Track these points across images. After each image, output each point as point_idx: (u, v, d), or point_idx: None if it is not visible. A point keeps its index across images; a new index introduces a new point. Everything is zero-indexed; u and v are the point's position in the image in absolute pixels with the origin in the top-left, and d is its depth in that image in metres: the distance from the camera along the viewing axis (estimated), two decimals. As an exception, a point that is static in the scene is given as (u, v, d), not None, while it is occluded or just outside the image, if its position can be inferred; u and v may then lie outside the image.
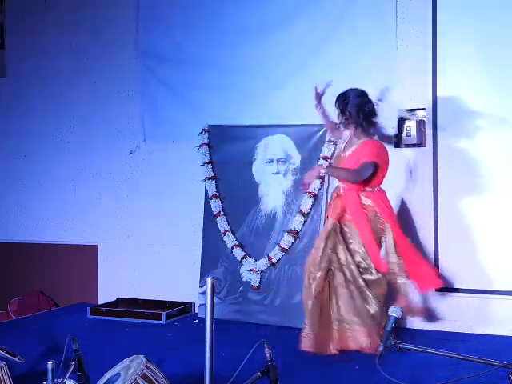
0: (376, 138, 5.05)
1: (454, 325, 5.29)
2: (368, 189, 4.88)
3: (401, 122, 5.47)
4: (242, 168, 5.96)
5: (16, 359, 3.67)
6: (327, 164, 5.42)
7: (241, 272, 5.91)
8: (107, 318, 6.00)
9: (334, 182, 5.61)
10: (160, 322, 5.85)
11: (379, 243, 4.83)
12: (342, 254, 4.79)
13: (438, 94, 5.34)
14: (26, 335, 5.39)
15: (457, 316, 5.29)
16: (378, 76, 5.40)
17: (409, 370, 4.20)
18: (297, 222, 5.68)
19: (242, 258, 5.88)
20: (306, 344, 4.73)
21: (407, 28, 5.44)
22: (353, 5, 5.59)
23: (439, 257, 5.34)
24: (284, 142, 5.83)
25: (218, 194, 6.06)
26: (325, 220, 5.18)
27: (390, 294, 4.83)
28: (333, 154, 5.60)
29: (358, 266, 4.77)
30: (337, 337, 4.76)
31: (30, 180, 6.91)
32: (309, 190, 5.12)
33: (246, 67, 5.99)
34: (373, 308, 4.72)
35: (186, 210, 6.21)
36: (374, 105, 4.89)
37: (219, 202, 6.04)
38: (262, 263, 5.79)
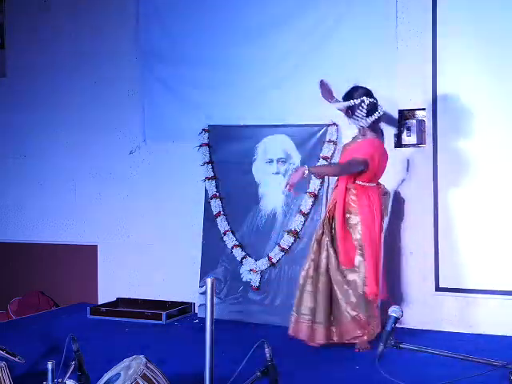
0: (382, 138, 5.07)
1: (454, 325, 5.29)
2: (359, 182, 4.88)
3: (401, 121, 5.47)
4: (242, 168, 5.96)
5: (16, 359, 3.67)
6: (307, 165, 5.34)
7: (241, 272, 5.91)
8: (107, 318, 6.00)
9: (335, 183, 5.62)
10: (160, 322, 5.85)
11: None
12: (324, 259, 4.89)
13: (438, 94, 5.33)
14: (26, 335, 5.39)
15: (457, 316, 5.29)
16: (378, 76, 5.40)
17: (409, 370, 4.20)
18: (297, 222, 5.68)
19: (242, 258, 5.88)
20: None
21: (407, 28, 5.44)
22: (353, 5, 5.59)
23: (439, 256, 5.34)
24: (284, 142, 5.83)
25: (217, 194, 6.06)
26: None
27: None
28: (333, 154, 5.61)
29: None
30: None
31: (29, 180, 6.91)
32: (292, 192, 5.14)
33: (246, 67, 5.99)
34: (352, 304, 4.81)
35: (186, 210, 6.21)
36: (377, 103, 4.91)
37: (219, 202, 6.04)
38: (262, 263, 5.80)
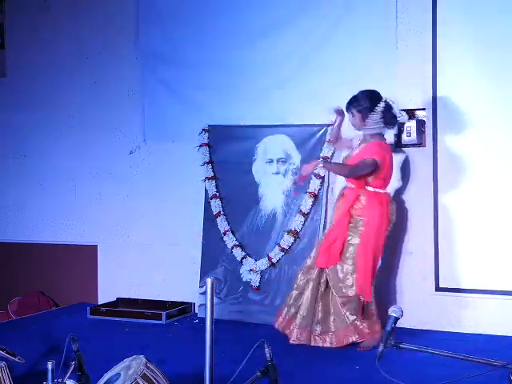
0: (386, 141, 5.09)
1: (454, 325, 5.29)
2: (370, 188, 4.90)
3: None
4: (242, 168, 5.96)
5: (16, 359, 3.66)
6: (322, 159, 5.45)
7: (241, 272, 5.91)
8: (107, 318, 5.99)
9: (335, 182, 5.63)
10: (160, 322, 5.85)
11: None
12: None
13: (438, 94, 5.33)
14: (26, 335, 5.39)
15: (457, 316, 5.29)
16: (378, 76, 5.40)
17: (409, 370, 4.20)
18: (297, 222, 5.68)
19: (242, 258, 5.88)
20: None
21: (407, 28, 5.44)
22: (353, 5, 5.59)
23: (439, 256, 5.34)
24: (284, 142, 5.83)
25: (217, 194, 6.06)
26: (331, 223, 5.23)
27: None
28: (333, 154, 5.61)
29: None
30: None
31: (29, 180, 6.91)
32: (303, 185, 5.16)
33: (247, 67, 5.99)
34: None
35: (186, 210, 6.21)
36: (388, 107, 4.92)
37: (219, 202, 6.04)
38: (262, 263, 5.79)
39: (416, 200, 5.44)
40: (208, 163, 6.10)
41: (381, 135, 5.00)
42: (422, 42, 5.38)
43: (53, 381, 2.89)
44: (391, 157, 4.98)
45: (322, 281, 4.97)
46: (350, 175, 4.94)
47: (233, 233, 5.97)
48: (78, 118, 6.69)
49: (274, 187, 5.86)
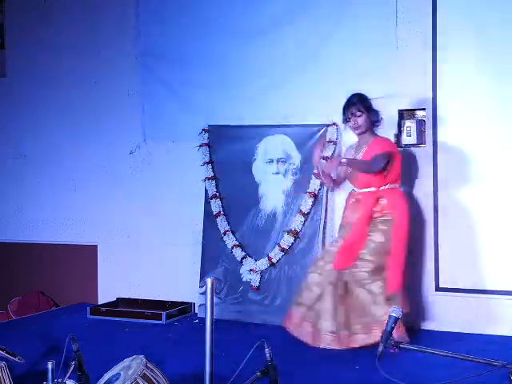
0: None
1: (454, 325, 5.29)
2: (388, 186, 4.93)
3: (401, 122, 5.47)
4: (242, 168, 5.96)
5: (16, 359, 3.66)
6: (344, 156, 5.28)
7: (241, 272, 5.90)
8: (107, 318, 5.99)
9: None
10: (160, 321, 5.85)
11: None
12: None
13: (438, 93, 5.33)
14: (26, 335, 5.39)
15: (457, 316, 5.29)
16: (378, 76, 5.40)
17: (409, 370, 4.20)
18: (297, 222, 5.68)
19: (242, 258, 5.88)
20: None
21: (407, 28, 5.44)
22: (353, 5, 5.59)
23: (439, 256, 5.34)
24: (284, 142, 5.83)
25: (218, 194, 6.06)
26: (340, 228, 5.20)
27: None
28: (333, 154, 5.61)
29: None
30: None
31: (29, 180, 6.91)
32: (328, 182, 5.04)
33: (247, 67, 5.99)
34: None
35: (186, 210, 6.21)
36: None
37: (219, 202, 6.04)
38: (262, 263, 5.79)
39: (416, 200, 5.43)
40: (208, 163, 6.10)
41: (375, 133, 5.04)
42: (422, 42, 5.38)
43: (53, 381, 2.88)
44: (397, 149, 5.07)
45: (340, 283, 4.89)
46: (372, 169, 4.88)
47: (233, 233, 5.97)
48: (78, 118, 6.69)
49: (274, 187, 5.86)
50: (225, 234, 5.97)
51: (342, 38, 5.62)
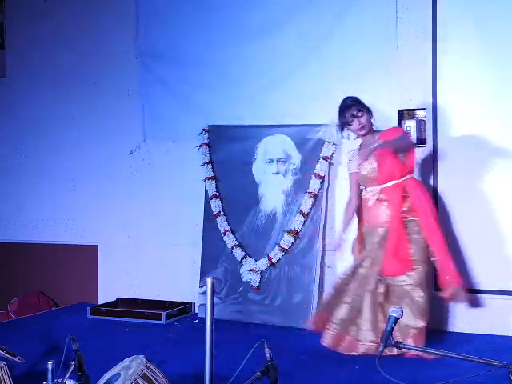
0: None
1: (453, 325, 5.29)
2: (406, 177, 4.80)
3: (401, 121, 5.47)
4: (242, 168, 5.96)
5: (16, 359, 3.66)
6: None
7: (241, 272, 5.90)
8: (107, 318, 6.00)
9: (336, 183, 5.63)
10: (160, 321, 5.85)
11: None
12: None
13: (438, 94, 5.33)
14: (26, 335, 5.39)
15: (457, 316, 5.29)
16: (378, 76, 5.40)
17: (409, 370, 4.20)
18: (297, 222, 5.68)
19: (242, 258, 5.88)
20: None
21: (407, 28, 5.44)
22: (353, 5, 5.59)
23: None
24: (284, 142, 5.83)
25: (218, 194, 6.06)
26: (365, 235, 4.91)
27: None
28: (333, 153, 5.61)
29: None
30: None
31: (29, 180, 6.91)
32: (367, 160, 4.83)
33: (246, 67, 5.99)
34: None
35: (186, 210, 6.21)
36: None
37: (219, 202, 6.04)
38: (262, 263, 5.79)
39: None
40: (208, 163, 6.10)
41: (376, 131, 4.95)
42: (422, 41, 5.38)
43: (53, 381, 2.88)
44: None
45: (380, 291, 4.71)
46: (410, 142, 4.91)
47: (233, 233, 5.97)
48: (78, 118, 6.69)
49: (274, 187, 5.86)
50: (225, 233, 5.97)
51: (341, 37, 5.61)
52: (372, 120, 4.87)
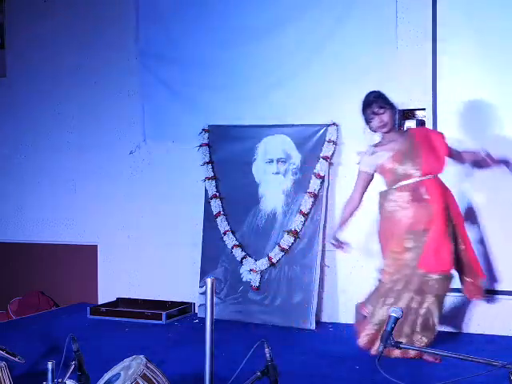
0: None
1: (454, 325, 5.28)
2: (440, 174, 4.64)
3: (401, 121, 5.47)
4: (242, 168, 5.96)
5: (16, 359, 3.66)
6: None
7: (241, 272, 5.90)
8: (107, 318, 6.00)
9: (336, 183, 5.63)
10: (160, 321, 5.85)
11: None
12: None
13: (438, 93, 5.33)
14: (26, 335, 5.39)
15: (457, 316, 5.29)
16: (378, 76, 5.40)
17: (409, 370, 4.20)
18: (297, 222, 5.68)
19: (242, 258, 5.88)
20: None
21: (407, 28, 5.44)
22: (353, 5, 5.59)
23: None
24: (284, 142, 5.83)
25: (217, 193, 6.06)
26: (410, 233, 4.57)
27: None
28: (333, 154, 5.61)
29: None
30: None
31: (29, 180, 6.91)
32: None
33: (247, 67, 5.99)
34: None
35: (186, 210, 6.21)
36: None
37: (219, 202, 6.04)
38: (262, 263, 5.79)
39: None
40: (208, 163, 6.10)
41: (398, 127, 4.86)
42: (422, 41, 5.38)
43: (53, 381, 2.88)
44: None
45: (415, 288, 4.49)
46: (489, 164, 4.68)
47: (233, 233, 5.97)
48: (78, 118, 6.69)
49: (274, 187, 5.86)
50: (225, 233, 5.97)
51: (342, 37, 5.61)
52: (396, 116, 4.66)
